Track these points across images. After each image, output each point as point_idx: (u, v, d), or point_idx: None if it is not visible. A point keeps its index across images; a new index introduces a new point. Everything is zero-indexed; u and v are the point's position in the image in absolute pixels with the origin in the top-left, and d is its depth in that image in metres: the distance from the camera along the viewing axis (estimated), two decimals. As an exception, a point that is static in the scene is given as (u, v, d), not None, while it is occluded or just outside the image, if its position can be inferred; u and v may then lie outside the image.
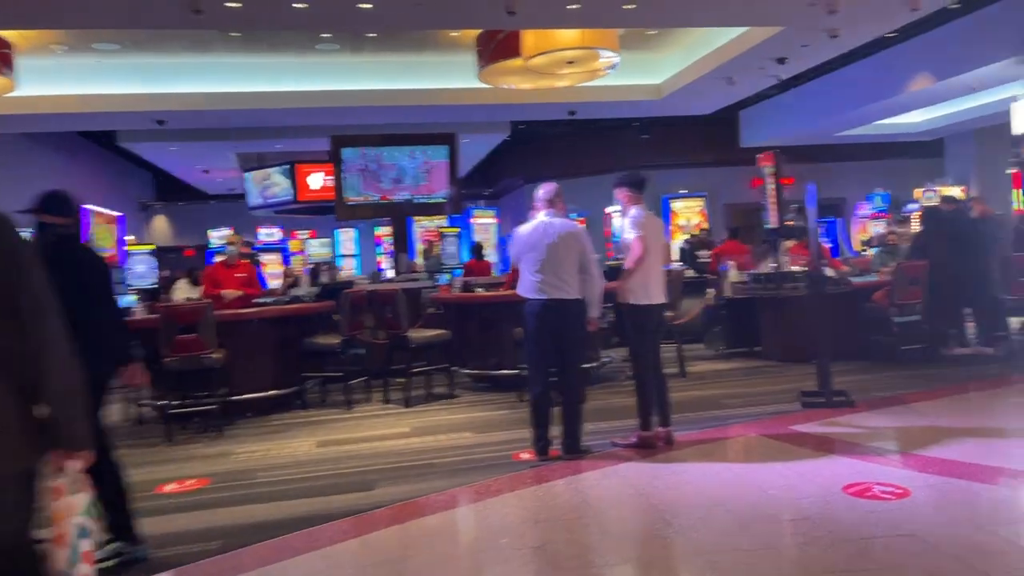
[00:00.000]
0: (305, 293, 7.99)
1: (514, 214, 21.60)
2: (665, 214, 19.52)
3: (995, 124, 14.88)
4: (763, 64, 10.65)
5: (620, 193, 4.97)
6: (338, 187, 8.85)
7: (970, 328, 8.18)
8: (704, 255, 11.89)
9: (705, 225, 17.87)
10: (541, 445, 4.79)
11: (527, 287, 4.77)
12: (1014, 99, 10.97)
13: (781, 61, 10.45)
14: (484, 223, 15.71)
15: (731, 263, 9.00)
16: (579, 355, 4.91)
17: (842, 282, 7.96)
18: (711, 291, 9.01)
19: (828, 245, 10.84)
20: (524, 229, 4.88)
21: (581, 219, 18.41)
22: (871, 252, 12.07)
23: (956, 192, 17.07)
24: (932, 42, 12.42)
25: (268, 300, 7.91)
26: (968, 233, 7.88)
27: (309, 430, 6.18)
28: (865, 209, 18.18)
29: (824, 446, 4.72)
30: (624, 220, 4.89)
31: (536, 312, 4.71)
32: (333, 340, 6.94)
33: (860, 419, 5.36)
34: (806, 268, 8.09)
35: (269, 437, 6.00)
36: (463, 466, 4.79)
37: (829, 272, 8.12)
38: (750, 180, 9.60)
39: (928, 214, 8.74)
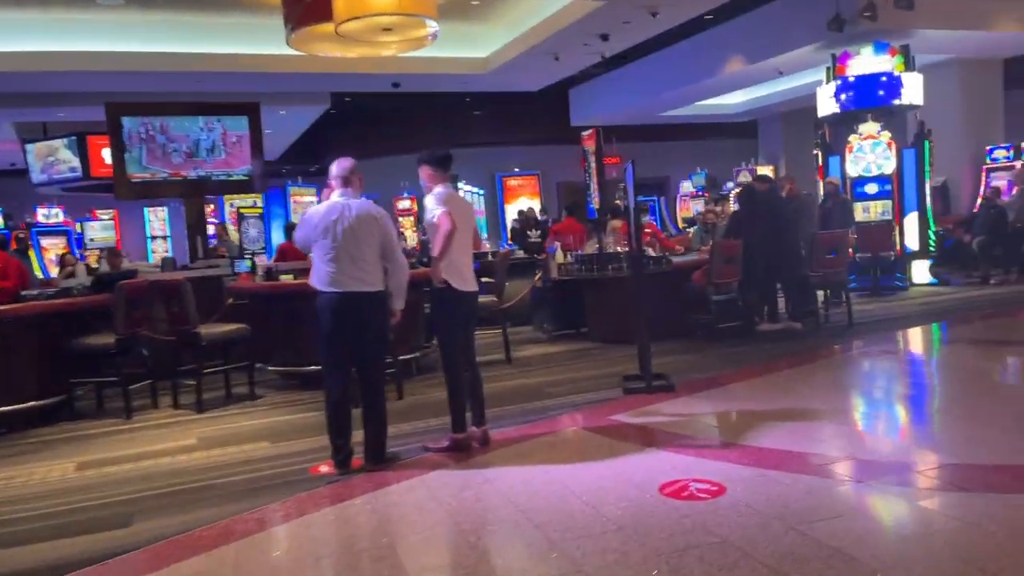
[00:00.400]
0: (77, 285, 6.89)
1: (344, 192, 20.62)
2: (499, 191, 19.34)
3: (802, 107, 15.76)
4: (587, 40, 10.52)
5: (423, 171, 4.47)
6: (117, 161, 7.71)
7: (782, 304, 8.47)
8: (534, 234, 11.71)
9: (537, 203, 17.85)
10: (341, 457, 4.24)
11: (320, 278, 4.17)
12: (819, 83, 11.52)
13: (604, 38, 10.36)
14: (304, 201, 14.70)
15: (557, 244, 8.79)
16: (381, 353, 4.38)
17: (663, 262, 7.95)
18: (539, 272, 8.76)
19: (653, 224, 10.92)
20: (316, 211, 4.27)
21: (411, 197, 17.84)
22: (692, 231, 12.40)
23: (768, 171, 18.12)
24: (745, 26, 12.86)
25: (33, 293, 6.76)
26: (779, 212, 8.10)
27: (74, 448, 5.25)
28: (686, 187, 18.88)
29: (643, 438, 4.51)
30: (428, 197, 4.39)
31: (331, 307, 4.13)
32: (107, 339, 5.97)
33: (679, 405, 5.23)
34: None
35: (19, 459, 5.02)
36: (249, 486, 4.14)
37: (652, 252, 8.09)
38: (580, 159, 9.44)
39: (743, 193, 8.95)
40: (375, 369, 4.29)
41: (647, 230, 8.81)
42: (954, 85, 13.72)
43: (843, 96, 11.09)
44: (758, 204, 8.14)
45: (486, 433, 4.59)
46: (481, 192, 17.75)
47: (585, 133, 7.54)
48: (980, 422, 4.36)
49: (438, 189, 4.40)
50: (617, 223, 9.95)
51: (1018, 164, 13.39)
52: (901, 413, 5.03)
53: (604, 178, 7.50)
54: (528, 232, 11.60)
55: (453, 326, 4.47)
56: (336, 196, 4.23)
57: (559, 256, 8.47)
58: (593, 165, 7.51)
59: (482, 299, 7.89)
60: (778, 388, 5.66)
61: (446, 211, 4.24)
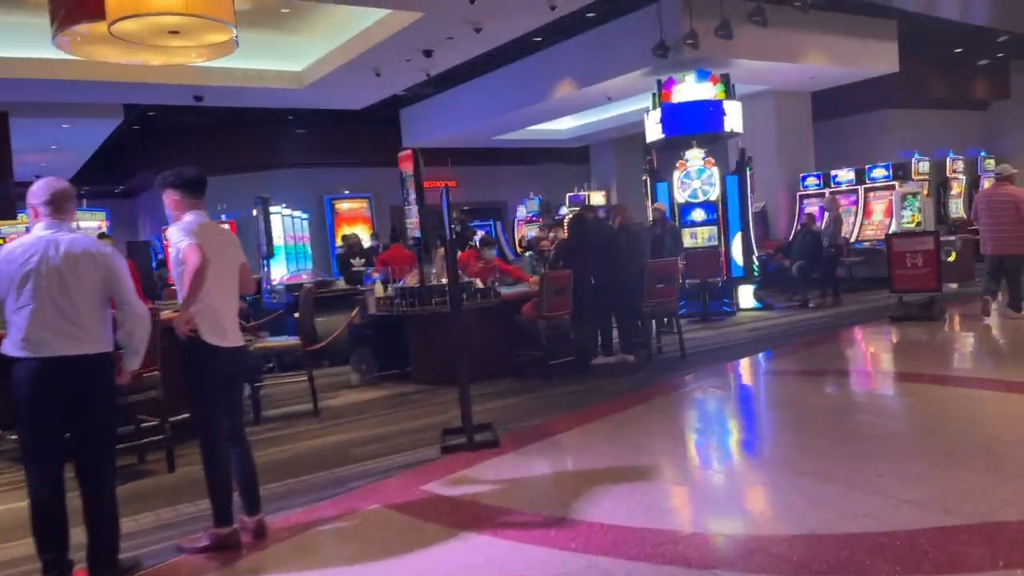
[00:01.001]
0: None
1: (151, 215, 18.63)
2: (328, 215, 18.16)
3: (632, 134, 15.91)
4: (409, 55, 9.81)
5: (167, 197, 3.51)
6: None
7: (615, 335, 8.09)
8: (359, 263, 10.78)
9: (368, 229, 16.88)
10: (56, 574, 3.16)
11: (11, 339, 3.10)
12: (647, 110, 11.48)
13: (428, 54, 9.71)
14: (87, 227, 12.90)
15: (376, 275, 7.96)
16: (105, 435, 3.31)
17: (491, 294, 7.32)
18: (357, 308, 7.86)
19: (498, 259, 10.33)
20: (7, 250, 3.19)
21: (231, 221, 16.33)
22: (528, 257, 11.95)
23: (599, 198, 18.20)
24: (575, 50, 12.69)
25: None
26: (610, 242, 7.72)
27: None
28: (522, 212, 18.60)
29: (457, 516, 3.75)
30: (172, 228, 3.44)
31: (28, 378, 3.06)
32: None
33: (504, 466, 4.54)
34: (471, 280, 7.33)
35: None
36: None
37: (480, 283, 7.45)
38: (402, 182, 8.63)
39: (573, 221, 8.55)
40: (99, 457, 3.25)
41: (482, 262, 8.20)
42: (769, 115, 14.30)
43: (669, 122, 11.09)
44: (588, 233, 7.73)
45: (261, 523, 3.65)
46: (306, 216, 16.54)
47: (401, 154, 6.76)
48: (821, 476, 3.97)
49: (187, 218, 3.46)
50: (442, 252, 9.29)
51: (827, 192, 14.11)
52: (743, 466, 4.61)
53: (425, 203, 6.75)
54: (351, 261, 10.65)
55: (208, 391, 3.51)
56: (40, 229, 3.18)
57: (378, 289, 7.63)
58: (411, 190, 6.73)
59: (284, 342, 7.00)
60: (613, 437, 5.13)
61: (194, 243, 3.30)
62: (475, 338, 6.91)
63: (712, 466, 4.52)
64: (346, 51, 10.16)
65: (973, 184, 16.82)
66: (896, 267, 9.12)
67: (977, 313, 8.65)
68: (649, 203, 11.17)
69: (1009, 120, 17.84)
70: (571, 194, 18.30)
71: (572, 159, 20.49)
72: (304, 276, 10.71)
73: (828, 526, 3.27)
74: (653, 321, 8.13)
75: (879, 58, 13.12)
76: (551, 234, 11.36)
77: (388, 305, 7.44)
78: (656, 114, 11.23)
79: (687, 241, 11.10)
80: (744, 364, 7.42)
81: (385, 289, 7.66)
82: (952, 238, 12.68)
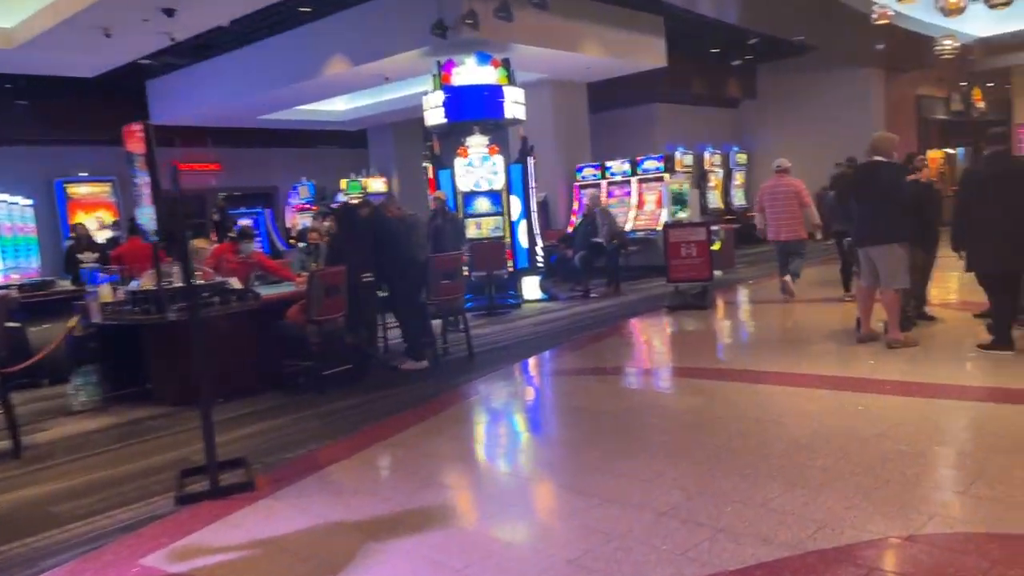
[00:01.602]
0: None
1: None
2: (60, 201, 15.54)
3: (413, 118, 15.18)
4: (146, 14, 8.31)
5: None
6: None
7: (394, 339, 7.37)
8: (89, 258, 9.08)
9: (110, 217, 14.69)
10: None
11: None
12: (426, 93, 10.81)
13: (169, 13, 8.27)
14: None
15: (104, 274, 6.57)
16: None
17: (250, 296, 6.27)
18: (76, 315, 6.40)
19: (260, 253, 9.11)
20: None
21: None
22: (299, 250, 10.82)
23: (379, 184, 17.31)
24: (348, 24, 11.69)
25: None
26: (389, 236, 6.96)
27: None
28: (295, 199, 17.22)
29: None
30: None
31: None
32: None
33: (254, 520, 3.64)
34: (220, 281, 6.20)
35: None
36: None
37: (236, 283, 6.36)
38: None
39: (341, 213, 7.69)
40: None
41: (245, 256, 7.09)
42: (548, 104, 14.25)
43: (450, 106, 10.51)
44: (357, 225, 6.92)
45: None
46: (31, 203, 13.98)
47: (129, 128, 5.48)
48: (629, 504, 3.54)
49: None
50: (204, 244, 7.99)
51: (604, 183, 14.37)
52: (544, 498, 4.09)
53: (161, 189, 5.52)
54: (79, 256, 8.92)
55: None
56: None
57: (104, 292, 6.26)
58: (144, 175, 5.48)
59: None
60: (395, 467, 4.41)
61: None
62: (230, 349, 5.86)
63: (506, 498, 3.95)
64: (62, 5, 8.40)
65: (728, 176, 18.17)
66: (672, 257, 9.27)
67: (743, 300, 9.03)
68: (432, 191, 10.54)
69: (756, 118, 19.47)
70: (349, 179, 17.23)
71: (349, 143, 19.35)
72: (16, 276, 8.81)
73: (643, 572, 2.80)
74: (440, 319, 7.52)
75: (649, 52, 13.51)
76: (325, 223, 10.32)
77: (117, 311, 6.12)
78: (436, 97, 10.59)
79: (472, 232, 10.62)
80: (533, 365, 7.00)
81: (115, 292, 6.31)
82: (716, 228, 13.38)
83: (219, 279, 6.27)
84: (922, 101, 19.29)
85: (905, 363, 5.61)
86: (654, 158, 13.91)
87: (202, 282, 5.97)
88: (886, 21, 10.97)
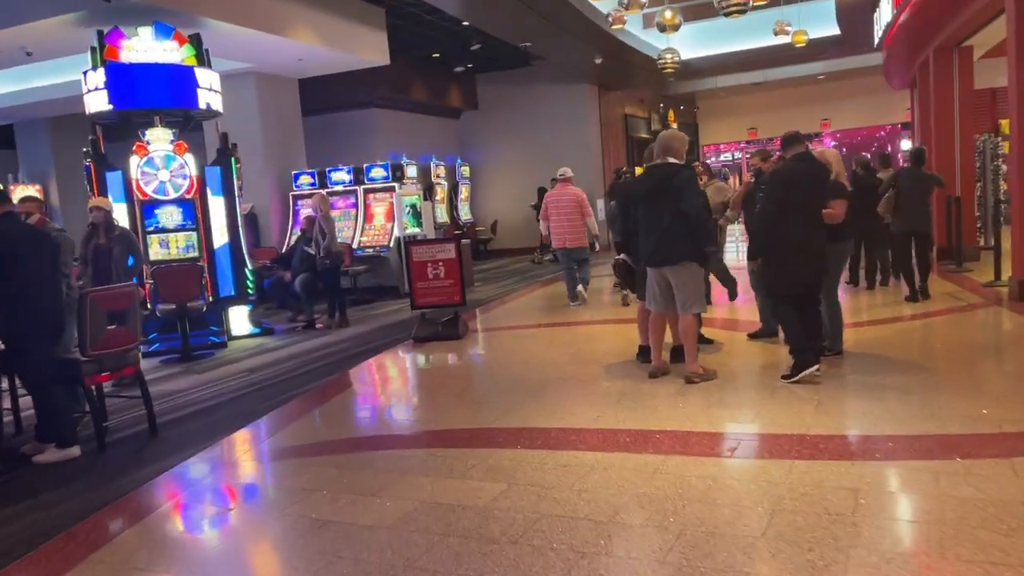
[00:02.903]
0: None
1: None
2: None
3: (76, 112, 12.06)
4: None
5: None
6: None
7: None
8: None
9: None
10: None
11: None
12: (87, 72, 8.19)
13: None
14: None
15: None
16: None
17: None
18: None
19: None
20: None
21: None
22: None
23: (32, 192, 13.67)
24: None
25: None
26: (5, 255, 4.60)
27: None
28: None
29: None
30: None
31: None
32: None
33: None
34: None
35: None
36: None
37: None
38: None
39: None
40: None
41: None
42: (252, 100, 12.11)
43: (119, 88, 8.04)
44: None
45: None
46: None
47: None
48: None
49: None
50: None
51: (323, 194, 12.52)
52: None
53: None
54: None
55: None
56: None
57: None
58: None
59: None
60: None
61: None
62: None
63: None
64: None
65: (454, 189, 17.24)
66: (417, 279, 7.81)
67: (500, 325, 7.86)
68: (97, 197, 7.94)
69: (477, 129, 18.87)
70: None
71: (-10, 142, 15.24)
72: None
73: None
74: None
75: (369, 46, 12.00)
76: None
77: None
78: (97, 76, 8.05)
79: (156, 252, 8.27)
80: (243, 442, 4.99)
81: None
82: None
83: None
84: (629, 120, 20.14)
85: (717, 404, 4.67)
86: (380, 166, 12.38)
87: None
88: (621, 25, 10.63)
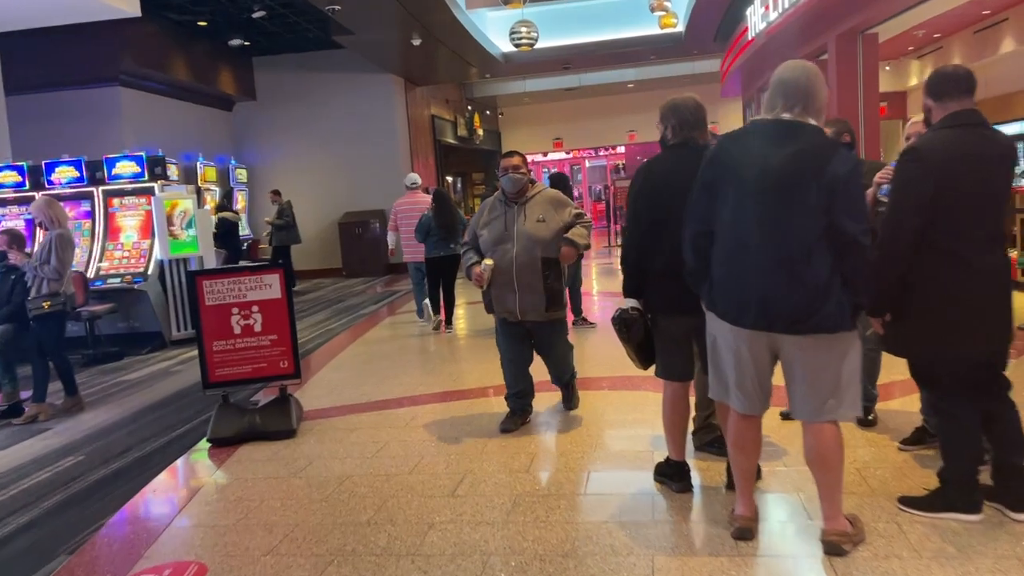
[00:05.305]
0: None
1: None
2: None
3: None
4: None
5: None
6: None
7: None
8: None
9: None
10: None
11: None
12: None
13: None
14: None
15: None
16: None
17: None
18: None
19: None
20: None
21: None
22: None
23: None
24: None
25: None
26: None
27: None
28: None
29: None
30: None
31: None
32: None
33: None
34: None
35: None
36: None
37: None
38: None
39: None
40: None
41: None
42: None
43: None
44: None
45: None
46: None
47: None
48: None
49: None
50: None
51: (38, 195, 8.53)
52: None
53: None
54: None
55: None
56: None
57: None
58: None
59: None
60: None
61: None
62: None
63: None
64: None
65: (226, 197, 13.45)
66: (213, 335, 4.61)
67: (352, 407, 4.91)
68: None
69: (255, 124, 15.30)
70: None
71: None
72: None
73: None
74: None
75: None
76: None
77: None
78: None
79: None
80: None
81: None
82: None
83: None
84: (436, 122, 17.64)
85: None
86: (132, 159, 8.64)
87: None
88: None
